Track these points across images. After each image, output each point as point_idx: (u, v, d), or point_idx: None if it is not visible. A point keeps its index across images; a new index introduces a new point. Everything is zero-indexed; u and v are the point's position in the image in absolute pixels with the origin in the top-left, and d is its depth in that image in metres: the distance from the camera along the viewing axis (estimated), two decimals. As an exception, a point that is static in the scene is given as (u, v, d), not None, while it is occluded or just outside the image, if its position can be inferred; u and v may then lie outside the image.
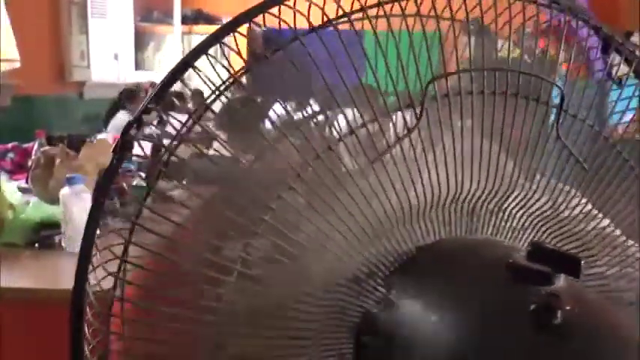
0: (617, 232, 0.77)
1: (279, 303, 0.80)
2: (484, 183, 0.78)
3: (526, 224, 0.78)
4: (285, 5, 0.88)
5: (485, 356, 0.59)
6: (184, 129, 0.88)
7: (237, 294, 0.78)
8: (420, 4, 0.83)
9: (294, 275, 0.80)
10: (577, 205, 0.76)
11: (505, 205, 0.78)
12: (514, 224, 0.78)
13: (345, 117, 0.94)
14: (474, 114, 0.82)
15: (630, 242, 0.76)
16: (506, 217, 0.78)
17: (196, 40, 7.45)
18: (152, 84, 6.01)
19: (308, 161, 0.91)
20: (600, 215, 0.77)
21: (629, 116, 0.81)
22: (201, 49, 0.87)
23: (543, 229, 0.78)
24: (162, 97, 0.89)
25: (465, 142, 0.79)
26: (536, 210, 0.77)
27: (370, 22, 0.87)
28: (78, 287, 0.75)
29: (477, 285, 0.66)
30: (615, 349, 0.57)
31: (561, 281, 0.58)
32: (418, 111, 0.78)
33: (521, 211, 0.78)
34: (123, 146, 0.82)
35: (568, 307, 0.54)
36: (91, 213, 0.80)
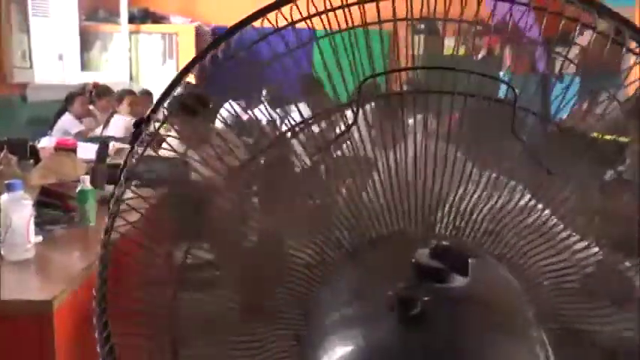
0: (557, 222, 0.78)
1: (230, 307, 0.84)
2: (440, 181, 0.79)
3: (479, 220, 0.79)
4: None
5: (364, 345, 0.63)
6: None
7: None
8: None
9: (247, 270, 0.84)
10: (521, 198, 0.78)
11: (460, 203, 0.79)
12: (470, 221, 0.79)
13: (299, 112, 0.94)
14: (426, 112, 0.83)
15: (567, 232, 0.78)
16: (461, 214, 0.79)
17: (144, 39, 7.32)
18: (96, 85, 5.86)
19: (258, 158, 0.91)
20: (540, 206, 0.78)
21: (568, 108, 0.83)
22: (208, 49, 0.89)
23: (499, 225, 0.79)
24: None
25: (416, 140, 0.81)
26: (490, 206, 0.79)
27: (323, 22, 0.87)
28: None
29: (375, 282, 0.70)
30: (474, 333, 0.60)
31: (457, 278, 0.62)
32: (356, 109, 0.80)
33: (473, 208, 0.79)
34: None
35: (426, 299, 0.58)
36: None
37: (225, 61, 0.88)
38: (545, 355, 0.62)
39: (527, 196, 0.78)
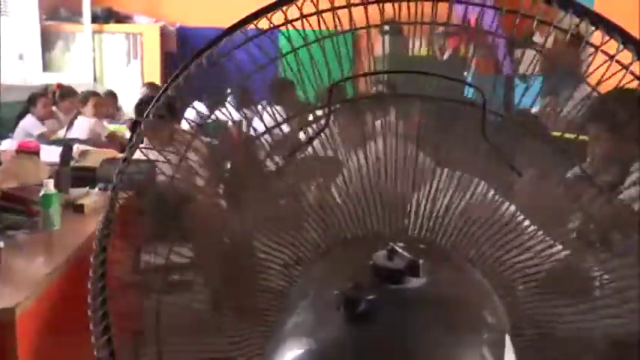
0: (526, 223, 0.80)
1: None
2: (411, 183, 0.80)
3: (452, 223, 0.80)
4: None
5: (312, 342, 0.64)
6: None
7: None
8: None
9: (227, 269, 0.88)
10: (493, 200, 0.79)
11: (433, 205, 0.80)
12: (442, 224, 0.80)
13: (270, 115, 0.94)
14: (397, 115, 0.84)
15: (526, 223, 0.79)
16: (434, 217, 0.80)
17: (108, 39, 7.20)
18: (59, 85, 5.74)
19: (228, 161, 0.91)
20: (509, 206, 0.80)
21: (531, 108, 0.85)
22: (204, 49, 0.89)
23: (473, 228, 0.80)
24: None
25: (386, 142, 0.82)
26: (461, 210, 0.80)
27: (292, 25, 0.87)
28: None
29: (335, 282, 0.71)
30: (418, 332, 0.61)
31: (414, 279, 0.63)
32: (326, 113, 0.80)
33: (446, 210, 0.80)
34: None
35: (371, 298, 0.59)
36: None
37: (210, 66, 0.89)
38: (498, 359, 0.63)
39: (497, 197, 0.79)
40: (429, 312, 0.64)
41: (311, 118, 0.89)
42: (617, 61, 0.74)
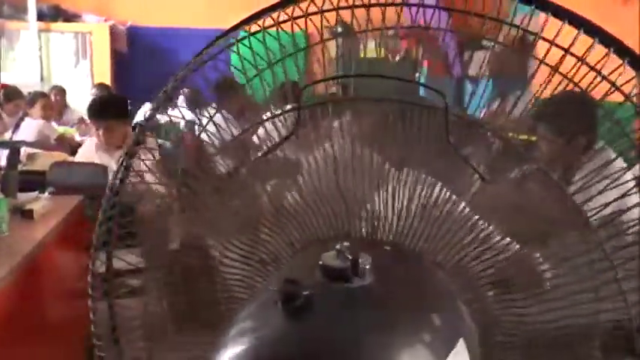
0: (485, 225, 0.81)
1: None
2: (368, 185, 0.81)
3: (417, 226, 0.81)
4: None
5: (250, 335, 0.66)
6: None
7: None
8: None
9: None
10: (449, 197, 0.80)
11: (400, 210, 0.81)
12: (410, 226, 0.81)
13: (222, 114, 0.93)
14: (352, 119, 0.85)
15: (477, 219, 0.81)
16: (395, 217, 0.81)
17: (55, 38, 6.99)
18: (4, 86, 5.55)
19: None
20: (467, 209, 0.81)
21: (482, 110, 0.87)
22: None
23: (441, 231, 0.81)
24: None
25: (346, 147, 0.83)
26: (427, 214, 0.80)
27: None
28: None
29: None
30: (350, 329, 0.62)
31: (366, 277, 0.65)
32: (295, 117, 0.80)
33: (415, 214, 0.81)
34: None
35: (307, 292, 0.61)
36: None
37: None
38: None
39: (459, 201, 0.80)
40: (367, 310, 0.65)
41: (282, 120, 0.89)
42: (572, 54, 0.75)
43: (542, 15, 0.75)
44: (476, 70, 0.86)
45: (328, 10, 0.85)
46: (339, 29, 0.89)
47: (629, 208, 0.73)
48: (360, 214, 0.84)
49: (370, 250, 0.78)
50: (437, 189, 0.80)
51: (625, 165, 0.79)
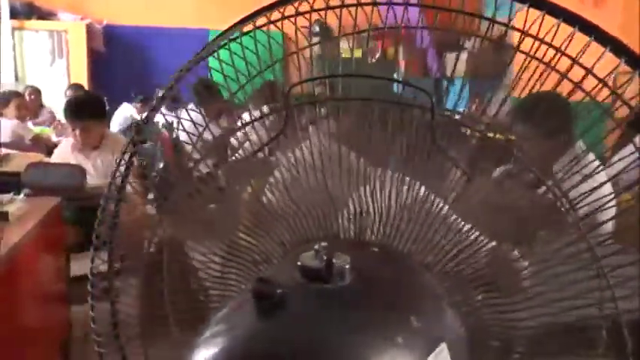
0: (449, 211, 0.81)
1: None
2: (353, 186, 0.81)
3: (406, 228, 0.80)
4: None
5: (224, 332, 0.66)
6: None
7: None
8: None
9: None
10: (427, 193, 0.80)
11: (388, 210, 0.81)
12: (398, 227, 0.80)
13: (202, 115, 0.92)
14: (333, 120, 0.85)
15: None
16: (385, 220, 0.81)
17: (30, 36, 6.88)
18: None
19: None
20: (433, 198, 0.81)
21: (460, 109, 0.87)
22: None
23: (429, 232, 0.80)
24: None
25: (330, 147, 0.82)
26: (415, 216, 0.80)
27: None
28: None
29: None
30: (320, 329, 0.63)
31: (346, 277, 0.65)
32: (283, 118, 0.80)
33: (401, 214, 0.80)
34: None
35: (280, 292, 0.61)
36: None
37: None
38: None
39: (445, 202, 0.79)
40: (340, 311, 0.64)
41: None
42: (545, 63, 0.75)
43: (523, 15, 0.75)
44: (453, 70, 0.87)
45: (306, 12, 0.85)
46: (317, 29, 0.89)
47: (605, 203, 0.73)
48: (349, 216, 0.83)
49: (355, 251, 0.77)
50: (423, 190, 0.80)
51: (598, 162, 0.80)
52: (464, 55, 0.87)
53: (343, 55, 0.86)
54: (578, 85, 0.73)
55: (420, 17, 0.84)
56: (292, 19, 0.87)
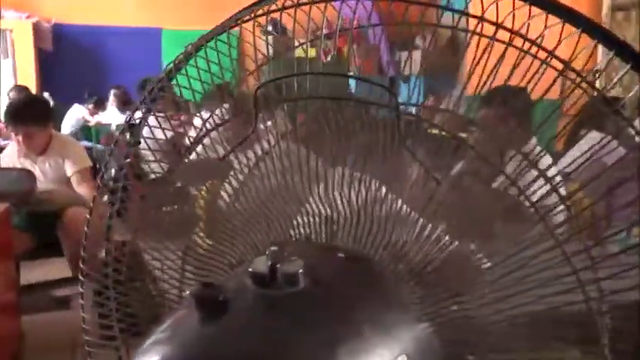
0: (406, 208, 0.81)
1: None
2: (322, 188, 0.80)
3: (375, 232, 0.79)
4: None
5: (167, 337, 0.65)
6: None
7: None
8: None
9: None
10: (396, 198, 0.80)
11: (358, 214, 0.80)
12: (369, 233, 0.79)
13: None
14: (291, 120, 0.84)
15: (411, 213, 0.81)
16: (356, 224, 0.80)
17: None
18: None
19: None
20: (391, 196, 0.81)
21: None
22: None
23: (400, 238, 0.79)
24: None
25: (296, 148, 0.82)
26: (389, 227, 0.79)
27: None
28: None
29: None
30: (262, 332, 0.62)
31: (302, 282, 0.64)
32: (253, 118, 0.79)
33: (372, 219, 0.79)
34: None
35: (222, 297, 0.61)
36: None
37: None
38: None
39: (415, 206, 0.78)
40: (285, 318, 0.62)
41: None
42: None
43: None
44: (408, 68, 0.87)
45: (263, 15, 0.84)
46: (270, 28, 0.88)
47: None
48: (320, 219, 0.82)
49: (321, 256, 0.77)
50: (391, 195, 0.79)
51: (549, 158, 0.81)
52: (417, 52, 0.87)
53: (297, 55, 0.85)
54: (527, 52, 0.72)
55: (371, 13, 0.84)
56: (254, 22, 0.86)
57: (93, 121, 6.32)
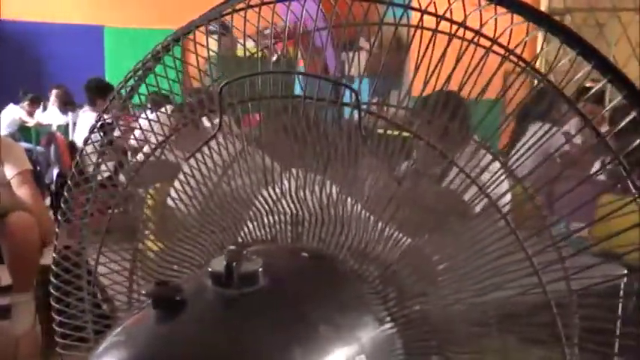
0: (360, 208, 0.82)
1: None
2: (285, 188, 0.81)
3: (340, 234, 0.79)
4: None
5: (124, 335, 0.64)
6: None
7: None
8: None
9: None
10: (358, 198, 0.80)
11: (322, 216, 0.80)
12: (333, 234, 0.79)
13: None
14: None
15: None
16: (321, 226, 0.80)
17: None
18: None
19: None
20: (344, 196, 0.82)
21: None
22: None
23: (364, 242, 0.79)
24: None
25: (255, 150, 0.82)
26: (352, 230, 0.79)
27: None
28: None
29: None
30: (216, 333, 0.62)
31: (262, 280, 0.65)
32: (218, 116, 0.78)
33: (336, 221, 0.79)
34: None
35: (179, 298, 0.61)
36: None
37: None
38: None
39: (377, 208, 0.78)
40: (240, 317, 0.62)
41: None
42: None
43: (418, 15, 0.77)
44: (352, 69, 0.88)
45: (214, 19, 0.84)
46: (214, 27, 0.88)
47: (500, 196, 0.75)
48: (285, 220, 0.82)
49: (283, 256, 0.77)
50: (352, 195, 0.79)
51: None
52: (362, 53, 0.89)
53: (239, 55, 0.86)
54: (472, 42, 0.73)
55: (317, 14, 0.85)
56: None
57: (32, 121, 6.10)
